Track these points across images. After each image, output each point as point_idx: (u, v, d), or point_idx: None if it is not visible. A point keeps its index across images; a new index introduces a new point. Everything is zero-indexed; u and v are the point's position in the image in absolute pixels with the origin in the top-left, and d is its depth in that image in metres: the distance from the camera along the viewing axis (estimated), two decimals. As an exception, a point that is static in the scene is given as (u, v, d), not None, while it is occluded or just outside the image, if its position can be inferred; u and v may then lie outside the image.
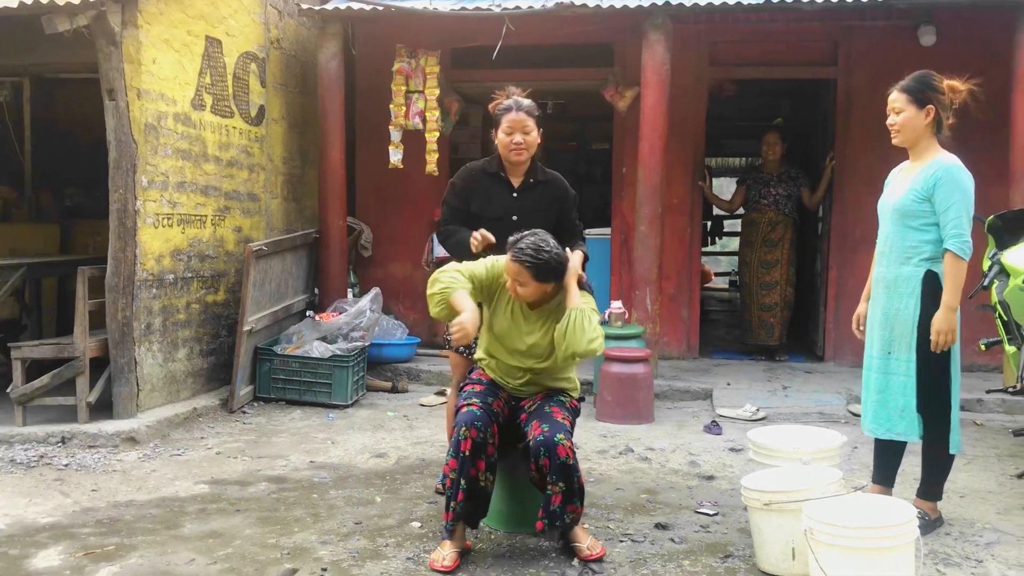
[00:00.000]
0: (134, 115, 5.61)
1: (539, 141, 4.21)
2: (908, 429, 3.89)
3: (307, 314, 7.05)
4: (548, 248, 3.59)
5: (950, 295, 3.74)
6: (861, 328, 4.17)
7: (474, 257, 3.96)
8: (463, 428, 3.58)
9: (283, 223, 7.60)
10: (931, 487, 4.04)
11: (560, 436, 3.56)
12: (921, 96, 3.85)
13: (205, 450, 5.33)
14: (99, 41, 5.44)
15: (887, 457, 4.10)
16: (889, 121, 3.95)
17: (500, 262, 3.74)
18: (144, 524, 4.06)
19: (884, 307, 3.94)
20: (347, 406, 6.44)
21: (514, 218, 4.11)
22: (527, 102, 4.19)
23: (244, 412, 6.30)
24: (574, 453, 3.60)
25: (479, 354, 3.95)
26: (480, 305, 3.79)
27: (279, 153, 7.55)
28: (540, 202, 4.22)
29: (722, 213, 14.21)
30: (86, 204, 8.39)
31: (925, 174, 3.82)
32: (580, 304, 3.66)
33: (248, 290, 6.37)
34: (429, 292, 3.72)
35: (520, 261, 3.56)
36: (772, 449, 4.04)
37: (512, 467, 3.88)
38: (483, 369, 3.92)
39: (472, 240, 4.04)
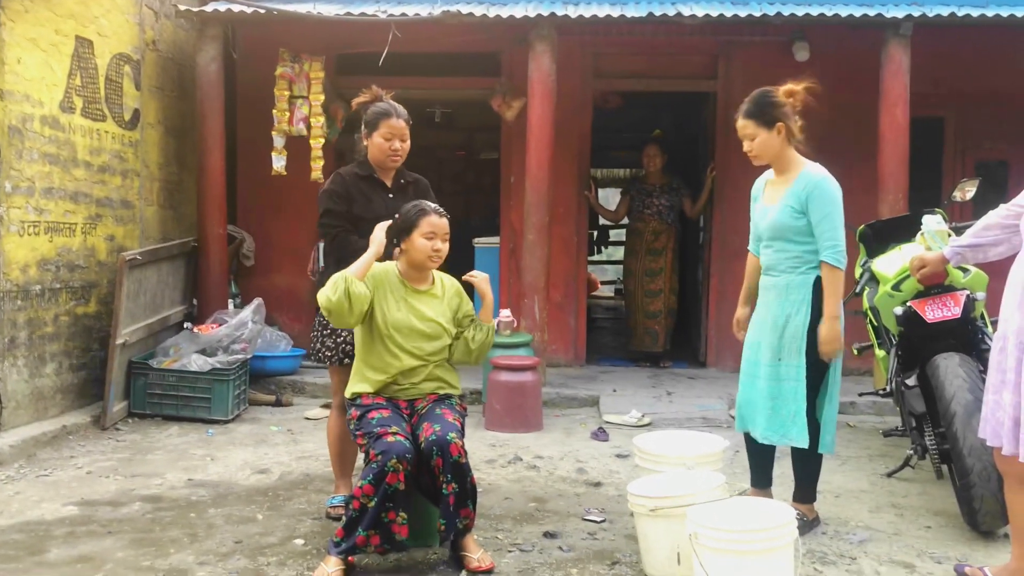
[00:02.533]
0: (-4, 117, 5.31)
1: (408, 149, 4.33)
2: (799, 435, 3.93)
3: (185, 326, 6.79)
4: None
5: (831, 306, 3.84)
6: (742, 332, 4.26)
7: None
8: (393, 459, 3.43)
9: (159, 231, 7.32)
10: (806, 490, 4.13)
11: (452, 435, 3.57)
12: (766, 117, 3.88)
13: (75, 470, 5.06)
14: (-44, 38, 5.13)
15: (761, 460, 4.20)
16: (745, 148, 3.99)
17: (375, 267, 3.81)
18: (4, 551, 3.81)
19: (774, 314, 3.98)
20: (228, 421, 6.22)
21: (396, 217, 4.07)
22: (403, 109, 4.26)
23: (118, 429, 6.01)
24: (466, 453, 3.61)
25: (365, 388, 3.81)
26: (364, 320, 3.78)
27: (155, 159, 7.27)
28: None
29: (608, 223, 14.45)
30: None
31: (796, 189, 3.89)
32: (493, 322, 3.98)
33: (121, 301, 6.09)
34: (325, 294, 3.63)
35: (441, 214, 3.78)
36: (657, 455, 4.09)
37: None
38: (373, 396, 3.79)
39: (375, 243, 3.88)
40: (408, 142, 4.28)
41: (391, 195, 4.29)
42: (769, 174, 4.15)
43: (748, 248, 4.33)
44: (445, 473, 3.54)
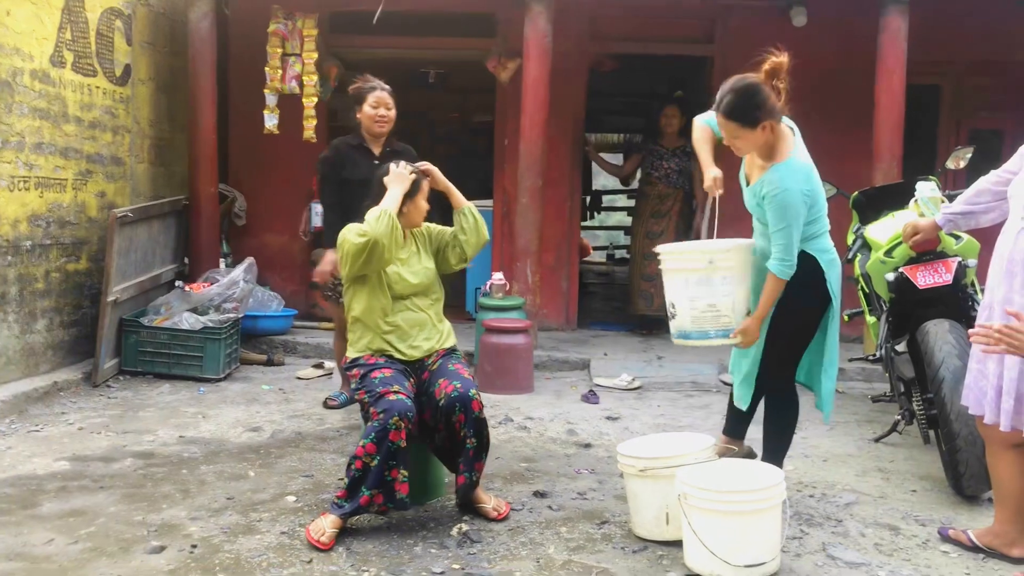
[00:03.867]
0: (-15, 70, 5.25)
1: (395, 118, 5.06)
2: (743, 396, 3.96)
3: (176, 284, 6.77)
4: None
5: (762, 308, 3.70)
6: (719, 190, 4.01)
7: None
8: (395, 417, 3.45)
9: (150, 189, 7.27)
10: (771, 459, 3.93)
11: (473, 391, 3.67)
12: (750, 119, 3.56)
13: (66, 426, 5.07)
14: (-56, -12, 5.05)
15: (737, 412, 4.12)
16: (725, 142, 3.73)
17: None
18: (-3, 504, 3.83)
19: (755, 283, 3.87)
20: (219, 380, 6.23)
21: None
22: (387, 85, 5.08)
23: (109, 386, 6.01)
24: (483, 408, 3.71)
25: (366, 349, 3.82)
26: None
27: (146, 115, 7.20)
28: None
29: (601, 188, 14.38)
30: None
31: (762, 186, 3.66)
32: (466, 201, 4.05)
33: (112, 259, 6.07)
34: (371, 228, 3.63)
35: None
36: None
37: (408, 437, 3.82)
38: (376, 355, 3.80)
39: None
40: (393, 111, 5.05)
41: (376, 161, 4.85)
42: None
43: (702, 118, 4.07)
44: (467, 427, 3.64)
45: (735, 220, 4.60)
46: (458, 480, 3.71)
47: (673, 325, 3.83)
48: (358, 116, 5.06)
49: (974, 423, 3.72)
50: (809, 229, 3.71)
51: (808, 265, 3.72)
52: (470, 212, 4.01)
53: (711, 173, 3.98)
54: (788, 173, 3.60)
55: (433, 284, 3.97)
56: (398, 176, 3.85)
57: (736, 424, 4.16)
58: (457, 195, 4.05)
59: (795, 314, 3.79)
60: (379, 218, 3.66)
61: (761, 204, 3.70)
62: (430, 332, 3.89)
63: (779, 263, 3.62)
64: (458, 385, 3.67)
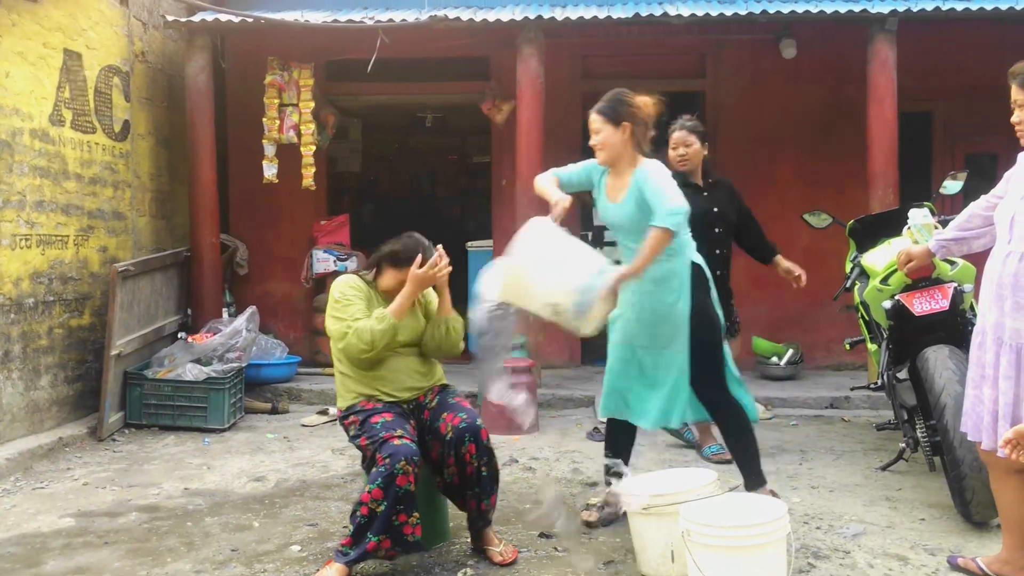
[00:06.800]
0: (-15, 131, 5.32)
1: (704, 153, 5.20)
2: (679, 416, 4.04)
3: (179, 335, 6.80)
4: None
5: (639, 264, 3.73)
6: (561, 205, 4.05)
7: None
8: (401, 461, 3.43)
9: (152, 242, 7.33)
10: (752, 474, 4.13)
11: (480, 421, 3.71)
12: (615, 115, 3.94)
13: (71, 481, 5.07)
14: (-56, 53, 5.14)
15: (625, 440, 4.22)
16: (591, 142, 4.02)
17: (348, 280, 3.88)
18: (1, 564, 3.81)
19: (652, 304, 3.98)
20: (224, 430, 6.23)
21: (715, 209, 5.20)
22: (691, 122, 5.19)
23: (114, 440, 6.02)
24: (490, 439, 3.73)
25: (359, 390, 3.83)
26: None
27: (146, 169, 7.28)
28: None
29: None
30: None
31: (633, 188, 3.92)
32: (453, 313, 3.95)
33: (115, 313, 6.10)
34: (373, 339, 3.68)
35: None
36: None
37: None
38: (371, 400, 3.80)
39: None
40: (694, 146, 5.15)
41: (706, 193, 5.22)
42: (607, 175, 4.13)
43: (552, 170, 4.24)
44: (480, 456, 3.65)
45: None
46: (470, 512, 3.71)
47: None
48: (668, 159, 5.12)
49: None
50: (683, 236, 3.96)
51: (696, 272, 4.02)
52: (444, 324, 3.91)
53: (557, 198, 4.02)
54: (654, 165, 3.97)
55: (421, 335, 3.91)
56: (421, 279, 3.78)
57: (625, 452, 4.20)
58: (446, 303, 3.95)
59: (707, 316, 4.04)
60: (384, 332, 3.67)
61: (634, 208, 3.90)
62: (418, 371, 3.88)
63: (670, 215, 3.73)
64: (464, 416, 3.70)
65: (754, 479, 4.14)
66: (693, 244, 4.09)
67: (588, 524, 4.11)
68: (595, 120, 4.01)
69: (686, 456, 5.47)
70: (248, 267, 8.13)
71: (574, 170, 4.23)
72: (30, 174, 5.75)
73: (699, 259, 4.08)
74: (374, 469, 3.50)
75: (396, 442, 3.49)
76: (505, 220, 7.94)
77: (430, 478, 3.79)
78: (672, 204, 3.76)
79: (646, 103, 4.01)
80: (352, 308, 3.75)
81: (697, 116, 5.36)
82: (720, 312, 4.16)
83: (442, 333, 3.90)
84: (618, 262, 3.92)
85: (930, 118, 8.20)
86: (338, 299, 3.79)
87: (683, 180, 5.12)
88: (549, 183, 4.16)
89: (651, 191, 3.84)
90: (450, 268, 3.91)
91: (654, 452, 5.56)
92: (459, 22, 6.95)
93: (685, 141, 5.16)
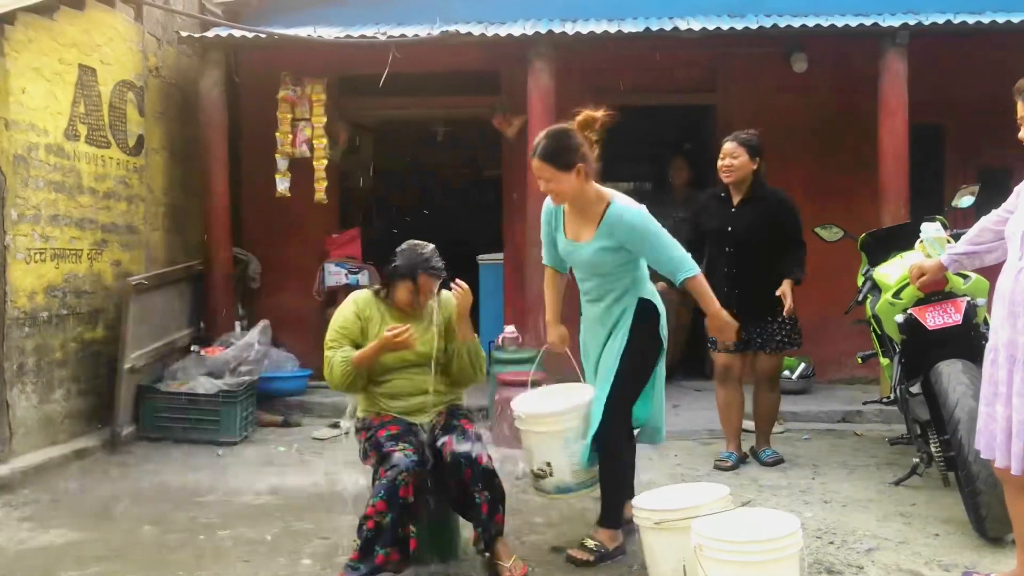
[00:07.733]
0: (2, 146, 5.38)
1: (753, 167, 5.17)
2: (586, 453, 3.91)
3: (192, 349, 6.83)
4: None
5: (711, 304, 3.90)
6: (562, 347, 4.19)
7: None
8: (402, 473, 3.47)
9: (165, 256, 7.37)
10: (611, 511, 3.96)
11: (477, 445, 3.67)
12: (563, 161, 3.71)
13: (84, 494, 5.08)
14: (-38, 70, 5.20)
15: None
16: (542, 188, 3.82)
17: (357, 300, 3.91)
18: (16, 577, 3.84)
19: (600, 337, 3.99)
20: (236, 443, 6.25)
21: (728, 229, 5.22)
22: (744, 135, 5.19)
23: (127, 453, 6.04)
24: (491, 459, 3.69)
25: (368, 407, 3.90)
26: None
27: (160, 184, 7.33)
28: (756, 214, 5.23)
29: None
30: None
31: (605, 229, 3.79)
32: (473, 337, 3.93)
33: (128, 326, 6.14)
34: (332, 377, 3.76)
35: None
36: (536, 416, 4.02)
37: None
38: (381, 415, 3.85)
39: None
40: (741, 158, 5.16)
41: (733, 210, 5.31)
42: (564, 209, 4.00)
43: (543, 261, 4.23)
44: (476, 482, 3.62)
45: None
46: (474, 535, 3.70)
47: (548, 483, 3.95)
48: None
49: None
50: (640, 271, 3.93)
51: (647, 307, 3.94)
52: (467, 351, 3.90)
53: (556, 330, 4.24)
54: (625, 204, 3.81)
55: (431, 353, 3.86)
56: (388, 343, 3.67)
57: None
58: (464, 329, 3.90)
59: (643, 354, 3.94)
60: (343, 374, 3.72)
61: (606, 252, 3.81)
62: (426, 388, 3.87)
63: (683, 271, 3.80)
64: (461, 440, 3.68)
65: (611, 515, 3.94)
66: (648, 283, 4.00)
67: (575, 562, 3.84)
68: (542, 169, 3.72)
69: (697, 471, 5.45)
70: (260, 280, 8.16)
71: (546, 243, 4.14)
72: (45, 188, 5.79)
73: (651, 294, 3.99)
74: (377, 482, 3.56)
75: (397, 455, 3.54)
76: (516, 234, 7.96)
77: (440, 493, 3.78)
78: (677, 252, 3.79)
79: (591, 121, 3.80)
80: (332, 332, 3.83)
81: (754, 134, 5.27)
82: (664, 340, 4.02)
83: (465, 362, 3.90)
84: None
85: (942, 132, 8.17)
86: (333, 319, 3.89)
87: (713, 193, 5.46)
88: (549, 295, 4.25)
89: (650, 248, 3.80)
90: (470, 298, 3.88)
91: (665, 466, 5.54)
92: (470, 37, 6.99)
93: (732, 152, 5.17)
